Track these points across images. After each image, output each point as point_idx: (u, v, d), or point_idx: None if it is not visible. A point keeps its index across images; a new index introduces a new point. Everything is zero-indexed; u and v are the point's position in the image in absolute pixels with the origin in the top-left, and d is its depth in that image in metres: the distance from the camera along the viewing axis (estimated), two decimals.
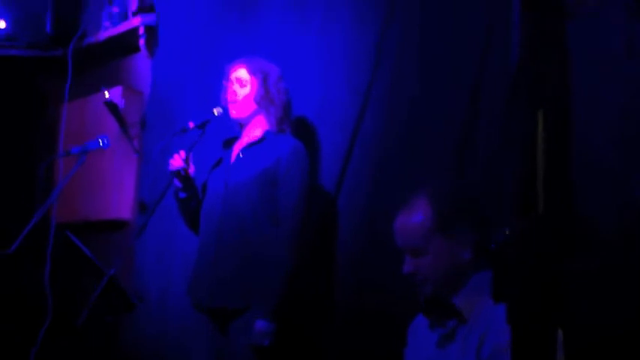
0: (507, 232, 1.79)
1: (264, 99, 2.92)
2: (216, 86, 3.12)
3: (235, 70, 2.97)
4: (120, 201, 4.07)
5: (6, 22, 4.35)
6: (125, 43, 4.22)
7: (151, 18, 4.06)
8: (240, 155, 2.94)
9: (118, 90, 4.07)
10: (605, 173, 2.07)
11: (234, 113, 2.96)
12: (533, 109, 1.43)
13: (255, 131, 2.97)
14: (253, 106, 2.94)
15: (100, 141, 3.34)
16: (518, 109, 1.47)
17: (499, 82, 2.34)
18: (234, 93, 2.94)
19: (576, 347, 1.78)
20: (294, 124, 3.02)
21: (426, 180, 2.56)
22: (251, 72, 2.94)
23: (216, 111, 2.99)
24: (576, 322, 1.84)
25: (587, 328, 1.92)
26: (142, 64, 4.20)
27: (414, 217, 1.97)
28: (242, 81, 2.94)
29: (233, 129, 3.06)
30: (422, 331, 2.07)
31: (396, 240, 2.02)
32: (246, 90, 2.93)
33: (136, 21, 4.09)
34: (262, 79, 2.92)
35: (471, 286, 1.93)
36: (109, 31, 4.24)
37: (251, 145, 2.94)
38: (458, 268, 1.93)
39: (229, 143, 3.07)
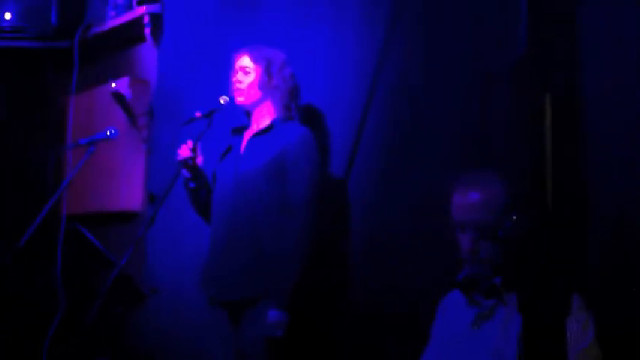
0: (514, 219, 1.78)
1: (267, 85, 2.91)
2: (223, 75, 3.10)
3: (239, 59, 2.97)
4: (129, 192, 4.06)
5: (12, 13, 4.34)
6: (131, 33, 4.19)
7: (155, 7, 4.03)
8: (249, 144, 2.93)
9: (125, 80, 4.05)
10: (621, 166, 2.03)
11: (239, 101, 2.95)
12: (541, 93, 1.40)
13: (263, 120, 2.95)
14: (258, 93, 2.93)
15: (108, 132, 3.33)
16: (528, 95, 1.45)
17: (508, 70, 2.31)
18: (239, 81, 2.93)
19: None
20: (303, 112, 2.99)
21: (437, 168, 2.54)
22: (254, 59, 2.93)
23: (222, 99, 2.97)
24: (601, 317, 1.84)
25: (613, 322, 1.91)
26: (148, 53, 4.18)
27: (492, 194, 1.92)
28: (246, 69, 2.94)
29: (241, 118, 3.04)
30: (454, 308, 2.04)
31: (461, 214, 1.96)
32: (250, 77, 2.92)
33: (140, 10, 4.06)
34: (265, 65, 2.91)
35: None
36: (114, 21, 4.22)
37: (259, 134, 2.92)
38: (510, 251, 1.90)
39: (239, 132, 3.05)
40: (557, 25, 1.34)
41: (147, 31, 4.10)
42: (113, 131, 3.31)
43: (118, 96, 4.00)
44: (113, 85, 4.00)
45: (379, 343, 2.69)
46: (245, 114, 3.02)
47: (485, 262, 1.92)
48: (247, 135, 2.98)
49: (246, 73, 2.93)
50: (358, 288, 2.87)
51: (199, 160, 2.94)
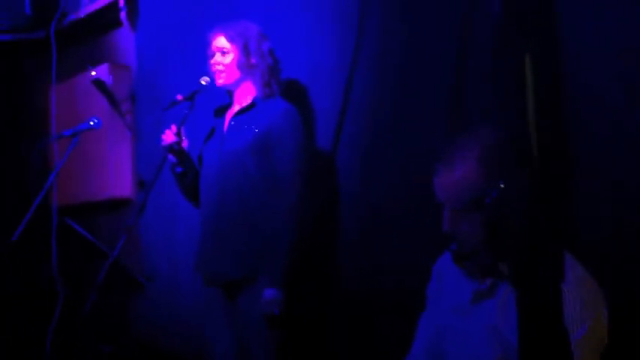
0: (502, 186, 1.72)
1: (246, 65, 2.87)
2: (203, 55, 3.05)
3: (215, 39, 2.91)
4: (118, 179, 4.03)
5: None
6: (107, 18, 4.13)
7: None
8: (232, 123, 2.89)
9: (104, 67, 4.00)
10: (605, 114, 1.99)
11: (220, 82, 2.90)
12: (520, 54, 1.37)
13: (245, 98, 2.91)
14: (237, 73, 2.89)
15: (91, 121, 3.29)
16: (506, 58, 1.41)
17: (486, 33, 2.26)
18: (217, 63, 2.89)
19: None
20: (285, 87, 2.95)
21: (421, 137, 2.49)
22: (230, 39, 2.88)
23: (203, 80, 2.93)
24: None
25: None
26: (125, 38, 4.12)
27: (466, 172, 1.76)
28: (223, 49, 2.89)
29: (223, 98, 3.00)
30: (451, 276, 1.96)
31: (437, 193, 1.84)
32: (229, 58, 2.88)
33: None
34: (243, 44, 2.87)
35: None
36: (88, 7, 4.15)
37: (241, 112, 2.88)
38: (498, 220, 1.74)
39: (221, 112, 3.01)
40: None
41: (122, 15, 4.04)
42: (96, 120, 3.28)
43: (98, 83, 3.95)
44: (93, 73, 3.95)
45: (370, 321, 2.69)
46: (227, 94, 2.98)
47: (466, 241, 1.82)
48: (229, 114, 2.95)
49: (223, 54, 2.88)
50: (348, 267, 2.86)
51: (184, 144, 2.91)
